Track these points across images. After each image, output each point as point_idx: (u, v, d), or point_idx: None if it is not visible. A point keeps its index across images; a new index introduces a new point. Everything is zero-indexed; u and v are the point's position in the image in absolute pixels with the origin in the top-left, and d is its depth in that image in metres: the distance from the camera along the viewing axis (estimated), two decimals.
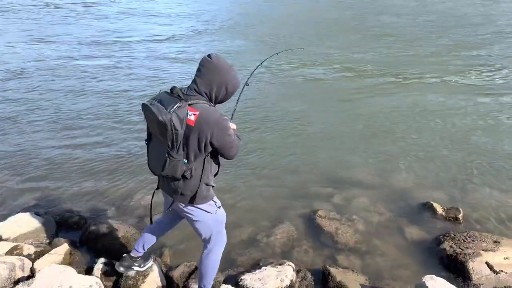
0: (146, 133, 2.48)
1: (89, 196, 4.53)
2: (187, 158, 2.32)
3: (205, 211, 2.56)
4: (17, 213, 3.96)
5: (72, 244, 3.65)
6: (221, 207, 2.67)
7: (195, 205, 2.50)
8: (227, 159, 2.47)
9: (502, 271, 3.35)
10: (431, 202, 4.29)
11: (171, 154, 2.25)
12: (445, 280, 3.06)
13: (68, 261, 3.40)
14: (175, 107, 2.14)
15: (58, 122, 6.36)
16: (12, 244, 3.44)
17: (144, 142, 2.49)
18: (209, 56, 2.29)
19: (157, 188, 2.67)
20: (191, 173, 2.36)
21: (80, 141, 5.78)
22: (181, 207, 2.53)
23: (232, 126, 2.46)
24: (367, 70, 9.14)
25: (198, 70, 2.29)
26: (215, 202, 2.60)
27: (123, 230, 3.79)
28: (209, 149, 2.33)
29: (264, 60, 3.35)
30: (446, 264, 3.54)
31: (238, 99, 2.88)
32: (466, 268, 3.37)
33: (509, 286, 3.30)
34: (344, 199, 4.51)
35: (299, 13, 15.98)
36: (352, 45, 11.22)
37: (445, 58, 10.02)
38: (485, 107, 7.06)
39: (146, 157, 2.51)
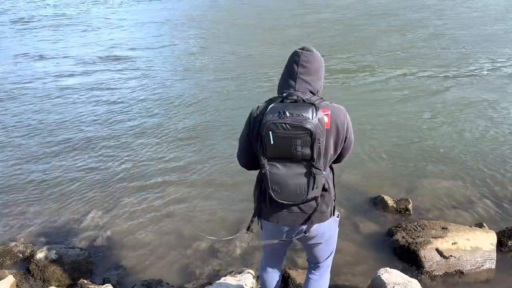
0: (260, 163, 2.02)
1: (35, 221, 4.30)
2: (324, 168, 2.03)
3: (336, 222, 2.28)
4: None
5: (18, 275, 3.44)
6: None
7: (330, 219, 2.17)
8: (341, 161, 2.21)
9: (451, 256, 3.50)
10: (382, 195, 4.42)
11: (318, 168, 1.94)
12: (398, 271, 3.16)
13: None
14: (314, 112, 1.88)
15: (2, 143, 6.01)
16: None
17: (263, 171, 2.01)
18: (306, 49, 2.04)
19: (248, 230, 2.27)
20: (329, 184, 2.09)
21: (25, 163, 5.50)
22: (312, 232, 2.13)
23: None
24: None
25: (303, 67, 2.00)
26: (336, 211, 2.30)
27: (74, 255, 3.62)
28: (341, 148, 2.10)
29: None
30: (400, 254, 3.65)
31: None
32: (418, 256, 3.49)
33: (459, 270, 3.46)
34: None
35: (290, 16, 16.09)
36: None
37: (402, 50, 10.42)
38: (431, 98, 7.40)
39: (270, 187, 2.00)
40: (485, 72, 8.69)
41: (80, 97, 8.00)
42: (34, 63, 10.38)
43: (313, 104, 1.92)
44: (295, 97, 1.96)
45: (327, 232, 2.23)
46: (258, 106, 2.05)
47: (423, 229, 3.77)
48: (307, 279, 2.52)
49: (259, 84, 8.35)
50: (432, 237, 3.64)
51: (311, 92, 2.02)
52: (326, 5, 17.05)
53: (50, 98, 7.92)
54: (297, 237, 2.17)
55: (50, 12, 17.44)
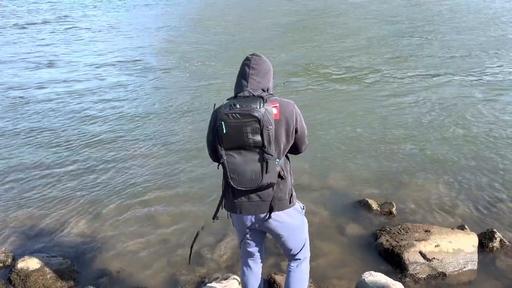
0: (218, 153, 2.23)
1: (16, 229, 4.21)
2: (278, 156, 2.24)
3: (300, 212, 2.44)
4: None
5: None
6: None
7: (290, 208, 2.35)
8: (298, 152, 2.42)
9: (434, 258, 3.54)
10: (366, 199, 4.47)
11: (270, 153, 2.15)
12: (383, 275, 3.19)
13: None
14: (261, 103, 2.13)
15: None
16: None
17: (220, 162, 2.22)
18: (255, 55, 2.33)
19: (214, 218, 2.43)
20: (284, 172, 2.27)
21: (8, 169, 5.41)
22: (274, 219, 2.30)
23: None
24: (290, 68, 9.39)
25: (253, 69, 2.28)
26: (298, 202, 2.47)
27: (56, 264, 3.57)
28: (294, 139, 2.31)
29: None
30: (384, 257, 3.69)
31: None
32: (402, 259, 3.53)
33: (442, 272, 3.50)
34: None
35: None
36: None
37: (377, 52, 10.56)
38: (414, 102, 7.50)
39: (229, 175, 2.20)
40: (469, 75, 8.86)
41: (71, 103, 7.92)
42: (34, 68, 10.25)
43: (261, 97, 2.18)
44: (246, 93, 2.23)
45: (289, 222, 2.38)
46: (215, 104, 2.29)
47: (406, 232, 3.81)
48: (287, 273, 2.65)
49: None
50: (416, 240, 3.68)
51: (262, 89, 2.28)
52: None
53: (41, 104, 7.81)
54: (260, 224, 2.34)
55: (52, 16, 17.23)
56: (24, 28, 15.02)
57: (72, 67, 10.37)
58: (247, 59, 2.33)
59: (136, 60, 10.93)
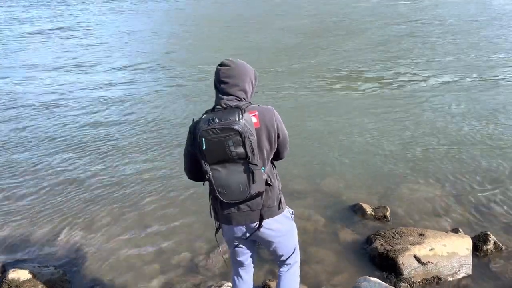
0: (203, 169, 2.17)
1: (6, 239, 4.16)
2: (263, 164, 2.22)
3: (289, 218, 2.44)
4: None
5: None
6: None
7: (280, 215, 2.34)
8: (281, 157, 2.41)
9: (429, 262, 3.53)
10: (360, 203, 4.46)
11: (255, 163, 2.12)
12: (378, 280, 3.18)
13: None
14: (240, 114, 2.08)
15: None
16: None
17: (206, 177, 2.18)
18: (223, 64, 2.21)
19: (217, 230, 2.42)
20: (271, 178, 2.26)
21: None
22: (264, 227, 2.29)
23: None
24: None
25: (223, 82, 2.19)
26: (287, 207, 2.47)
27: (48, 274, 3.52)
28: (276, 145, 2.29)
29: None
30: (379, 262, 3.67)
31: None
32: (397, 264, 3.52)
33: (437, 276, 3.50)
34: None
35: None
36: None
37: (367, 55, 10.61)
38: (406, 106, 7.53)
39: (216, 190, 2.17)
40: (468, 76, 8.92)
41: (68, 109, 7.87)
42: (57, 74, 10.17)
43: (238, 108, 2.12)
44: (224, 105, 2.16)
45: (279, 228, 2.37)
46: (194, 119, 2.23)
47: (401, 236, 3.80)
48: (278, 278, 2.65)
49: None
50: (410, 244, 3.67)
51: (237, 98, 2.21)
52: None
53: (34, 111, 7.75)
54: (251, 233, 2.31)
55: (70, 23, 17.19)
56: (40, 35, 14.95)
57: (92, 73, 10.31)
58: (216, 71, 2.23)
59: (158, 65, 10.85)
